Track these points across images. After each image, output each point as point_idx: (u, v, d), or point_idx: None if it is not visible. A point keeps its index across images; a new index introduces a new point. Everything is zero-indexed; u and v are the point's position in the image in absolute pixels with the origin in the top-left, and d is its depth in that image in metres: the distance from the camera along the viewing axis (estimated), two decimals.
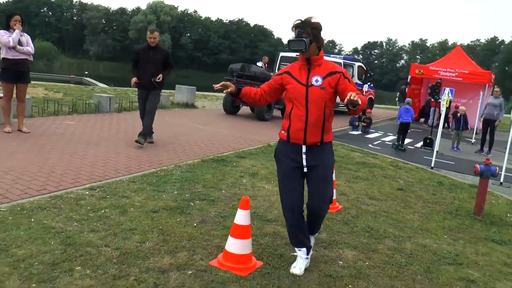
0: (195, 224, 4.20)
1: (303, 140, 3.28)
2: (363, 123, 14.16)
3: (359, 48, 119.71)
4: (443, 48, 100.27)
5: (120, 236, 3.74)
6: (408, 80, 19.50)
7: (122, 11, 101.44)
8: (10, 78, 7.06)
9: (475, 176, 8.11)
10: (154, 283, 3.04)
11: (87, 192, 4.74)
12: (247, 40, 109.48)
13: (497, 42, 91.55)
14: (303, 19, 3.26)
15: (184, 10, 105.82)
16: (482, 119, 12.72)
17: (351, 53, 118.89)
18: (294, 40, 3.21)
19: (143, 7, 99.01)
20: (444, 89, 10.92)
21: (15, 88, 7.22)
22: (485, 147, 12.48)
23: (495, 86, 13.51)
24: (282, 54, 16.72)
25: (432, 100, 16.74)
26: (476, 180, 7.76)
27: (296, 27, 3.27)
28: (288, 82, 3.35)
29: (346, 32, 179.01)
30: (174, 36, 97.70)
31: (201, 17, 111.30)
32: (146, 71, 7.21)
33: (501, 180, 8.38)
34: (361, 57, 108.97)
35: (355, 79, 17.23)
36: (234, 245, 3.37)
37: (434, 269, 3.84)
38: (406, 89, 18.87)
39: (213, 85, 3.38)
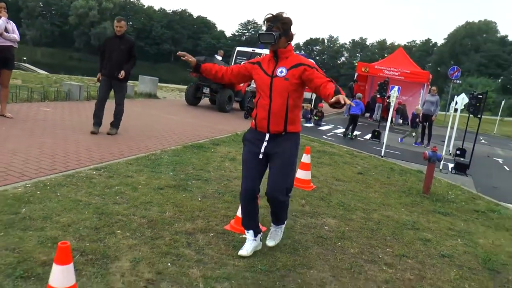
0: (199, 199, 4.86)
1: (266, 128, 3.43)
2: (315, 117, 15.19)
3: (301, 44, 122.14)
4: (382, 47, 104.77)
5: (141, 207, 4.33)
6: (355, 78, 20.84)
7: None
8: None
9: (419, 164, 9.30)
10: (187, 242, 3.69)
11: (94, 172, 5.25)
12: (190, 31, 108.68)
13: (431, 44, 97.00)
14: (274, 14, 3.38)
15: None
16: (421, 114, 14.09)
17: (294, 48, 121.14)
18: (265, 33, 3.34)
19: None
20: (392, 87, 12.09)
21: None
22: (424, 139, 13.85)
23: (432, 85, 14.99)
24: (238, 48, 17.39)
25: (378, 96, 18.15)
26: (420, 167, 8.95)
27: (267, 20, 3.38)
28: (256, 72, 3.51)
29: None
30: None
31: (144, 5, 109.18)
32: (111, 60, 7.26)
33: (440, 168, 9.59)
34: (303, 52, 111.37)
35: None
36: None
37: (399, 232, 4.75)
38: (354, 85, 20.21)
39: (178, 53, 3.62)
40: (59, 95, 10.48)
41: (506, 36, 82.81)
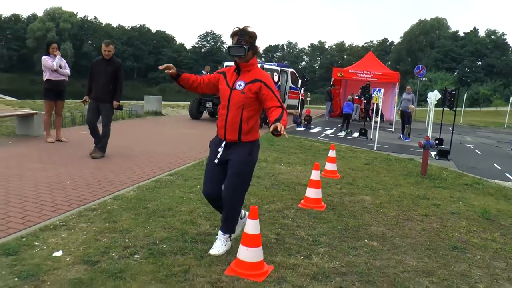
0: (265, 190, 6.26)
1: (223, 136, 3.66)
2: (304, 121, 16.78)
3: (261, 51, 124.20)
4: (341, 49, 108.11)
5: None
6: (332, 82, 22.63)
7: (15, 18, 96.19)
8: (51, 96, 8.49)
9: (407, 154, 10.96)
10: (281, 216, 5.09)
11: (172, 177, 6.57)
12: (150, 47, 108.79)
13: (387, 43, 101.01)
14: (241, 28, 3.54)
15: (84, 17, 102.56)
16: (399, 111, 15.91)
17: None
18: (234, 47, 3.47)
19: (39, 13, 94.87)
20: (374, 89, 13.80)
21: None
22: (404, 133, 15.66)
23: (407, 85, 16.87)
24: (226, 63, 18.80)
25: (356, 98, 19.97)
26: (409, 156, 10.60)
27: (235, 34, 3.51)
28: (220, 82, 3.71)
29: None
30: (75, 44, 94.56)
31: (102, 23, 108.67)
32: (98, 83, 7.44)
33: (434, 155, 11.27)
34: (264, 59, 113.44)
35: (289, 83, 20.05)
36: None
37: (416, 201, 6.30)
38: (331, 90, 21.99)
39: (159, 66, 3.67)
40: (82, 118, 11.59)
41: (457, 31, 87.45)
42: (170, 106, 19.87)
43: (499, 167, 11.03)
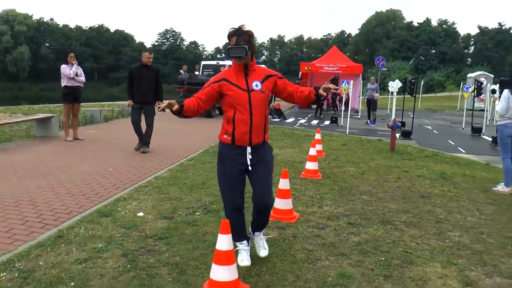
0: None
1: (248, 142, 3.45)
2: (274, 115, 18.18)
3: (221, 47, 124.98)
4: (300, 42, 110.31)
5: None
6: (300, 76, 24.24)
7: None
8: (69, 100, 9.61)
9: (374, 136, 12.61)
10: (291, 183, 6.54)
11: (191, 162, 7.89)
12: (109, 47, 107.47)
13: (345, 35, 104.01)
14: (237, 27, 3.41)
15: (40, 19, 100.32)
16: (365, 100, 17.64)
17: (214, 52, 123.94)
18: (235, 48, 3.34)
19: None
20: (343, 81, 15.43)
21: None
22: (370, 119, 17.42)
23: (367, 75, 18.62)
24: (203, 62, 20.03)
25: None
26: (377, 137, 12.26)
27: (232, 35, 3.38)
28: (228, 89, 3.43)
29: (207, 32, 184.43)
30: (32, 48, 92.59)
31: (59, 25, 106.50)
32: (141, 88, 8.38)
33: (399, 135, 13.00)
34: (223, 55, 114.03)
35: None
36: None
37: (390, 170, 7.88)
38: (300, 83, 23.58)
39: (158, 106, 3.50)
40: (85, 119, 12.69)
41: (411, 22, 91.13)
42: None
43: (453, 143, 12.88)
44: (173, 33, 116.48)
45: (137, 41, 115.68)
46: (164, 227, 4.54)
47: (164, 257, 3.79)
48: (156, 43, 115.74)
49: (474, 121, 16.28)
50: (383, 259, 3.95)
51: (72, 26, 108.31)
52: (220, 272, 3.09)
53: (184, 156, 8.44)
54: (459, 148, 11.90)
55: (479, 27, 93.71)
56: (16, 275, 3.36)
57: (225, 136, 3.53)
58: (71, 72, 9.41)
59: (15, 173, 6.57)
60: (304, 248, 4.13)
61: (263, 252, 3.73)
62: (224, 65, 19.04)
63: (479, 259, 4.05)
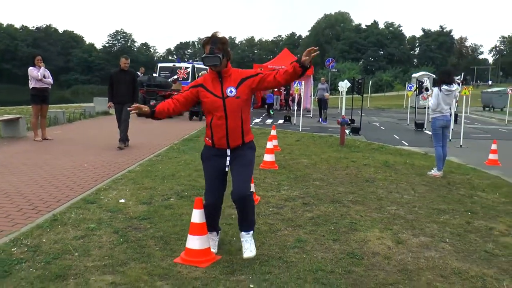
0: None
1: (226, 145, 3.60)
2: None
3: (172, 48, 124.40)
4: (251, 44, 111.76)
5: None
6: None
7: None
8: (38, 101, 9.99)
9: (325, 133, 13.61)
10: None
11: (158, 157, 8.51)
12: (58, 48, 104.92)
13: (296, 37, 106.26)
14: (211, 36, 3.48)
15: None
16: (316, 99, 18.71)
17: (165, 54, 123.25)
18: (209, 57, 3.41)
19: None
20: (295, 82, 16.36)
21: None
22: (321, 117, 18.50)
23: (317, 75, 19.75)
24: (160, 64, 20.55)
25: (275, 90, 22.60)
26: (328, 134, 13.26)
27: (206, 43, 3.46)
28: (204, 96, 3.57)
29: (158, 34, 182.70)
30: None
31: (3, 24, 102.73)
32: (120, 90, 9.28)
33: (348, 131, 14.05)
34: (175, 57, 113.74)
35: None
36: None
37: (339, 161, 8.82)
38: None
39: (129, 108, 3.73)
40: (50, 121, 12.97)
41: (360, 24, 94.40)
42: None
43: (397, 137, 14.11)
44: (124, 34, 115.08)
45: (87, 42, 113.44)
46: (145, 210, 5.20)
47: (149, 233, 4.46)
48: (107, 44, 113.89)
49: (417, 118, 17.69)
50: (332, 228, 4.80)
51: (17, 26, 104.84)
52: (193, 241, 3.75)
53: (152, 152, 9.05)
54: (403, 142, 13.09)
55: (423, 30, 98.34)
56: (26, 249, 3.95)
57: (207, 138, 3.71)
58: (38, 74, 9.80)
59: None
60: (266, 222, 4.92)
61: (247, 253, 3.72)
62: (180, 67, 19.63)
63: (409, 225, 4.98)
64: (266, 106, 21.59)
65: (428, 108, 19.32)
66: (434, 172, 7.81)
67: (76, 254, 3.88)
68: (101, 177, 6.76)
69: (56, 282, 3.34)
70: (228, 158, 3.66)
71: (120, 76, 9.49)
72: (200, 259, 3.74)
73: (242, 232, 3.82)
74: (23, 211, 5.04)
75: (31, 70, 9.82)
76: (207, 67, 3.66)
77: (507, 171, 8.71)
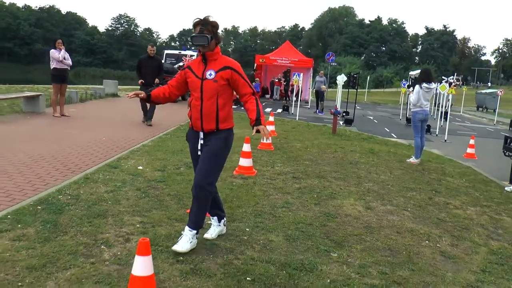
0: None
1: (200, 127, 3.65)
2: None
3: (175, 35, 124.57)
4: (254, 34, 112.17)
5: None
6: (255, 67, 26.13)
7: None
8: (58, 81, 10.96)
9: (320, 122, 14.62)
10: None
11: (167, 136, 9.49)
12: (61, 29, 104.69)
13: (299, 29, 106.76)
14: (202, 18, 3.56)
15: None
16: (314, 91, 19.68)
17: (168, 40, 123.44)
18: (197, 36, 3.49)
19: None
20: (294, 73, 17.35)
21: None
22: (318, 108, 19.49)
23: (319, 68, 20.71)
24: (166, 51, 21.45)
25: (276, 80, 23.58)
26: (322, 124, 14.26)
27: (197, 24, 3.54)
28: (188, 76, 3.69)
29: (161, 20, 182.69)
30: None
31: (5, 3, 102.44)
32: (147, 75, 10.63)
33: (342, 122, 15.05)
34: (178, 44, 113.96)
35: None
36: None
37: (329, 146, 9.83)
38: (254, 73, 25.47)
39: (126, 94, 3.83)
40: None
41: (363, 19, 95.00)
42: (124, 90, 22.22)
43: (388, 130, 15.14)
44: (127, 18, 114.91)
45: (90, 25, 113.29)
46: (160, 175, 6.21)
47: (165, 191, 5.47)
48: (110, 28, 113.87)
49: (409, 113, 18.68)
50: (315, 196, 5.83)
51: (20, 5, 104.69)
52: None
53: (162, 131, 10.07)
54: (392, 134, 14.12)
55: (426, 28, 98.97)
56: (69, 197, 4.96)
57: (188, 119, 3.83)
58: (60, 56, 10.76)
59: (26, 139, 7.99)
60: (260, 189, 5.94)
61: (177, 246, 3.64)
62: (185, 55, 20.60)
63: (380, 197, 6.01)
64: (268, 96, 22.87)
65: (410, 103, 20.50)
66: (412, 159, 8.82)
67: (110, 202, 4.90)
68: (119, 149, 7.77)
69: (98, 219, 4.35)
70: (201, 142, 3.72)
71: (147, 62, 10.82)
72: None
73: (186, 227, 3.74)
74: (60, 170, 6.05)
75: (53, 52, 10.77)
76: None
77: (480, 164, 9.76)
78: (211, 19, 3.58)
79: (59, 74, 10.91)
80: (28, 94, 11.44)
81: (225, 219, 4.15)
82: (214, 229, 4.05)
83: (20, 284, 3.03)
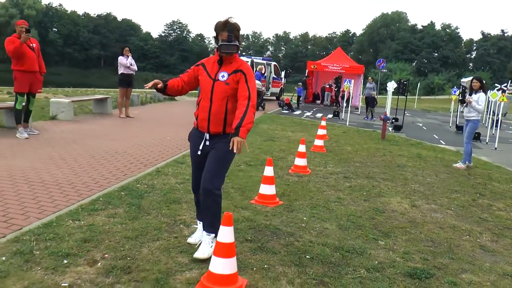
0: (286, 142, 10.02)
1: (207, 129, 3.55)
2: (284, 107, 20.47)
3: None
4: (305, 40, 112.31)
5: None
6: (307, 74, 26.63)
7: None
8: (124, 85, 11.95)
9: (370, 128, 14.94)
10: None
11: None
12: (116, 35, 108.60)
13: (350, 34, 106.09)
14: (226, 21, 3.48)
15: (49, 4, 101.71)
16: (364, 97, 19.97)
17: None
18: (227, 44, 3.43)
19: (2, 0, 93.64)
20: (345, 80, 17.74)
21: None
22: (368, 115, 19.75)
23: (369, 74, 20.98)
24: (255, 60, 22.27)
25: (327, 86, 23.98)
26: (372, 129, 14.59)
27: (222, 29, 3.45)
28: (200, 73, 3.62)
29: (212, 26, 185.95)
30: (41, 32, 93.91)
31: (67, 11, 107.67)
32: None
33: (391, 129, 15.34)
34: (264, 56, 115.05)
35: (273, 74, 23.94)
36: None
37: (378, 150, 10.22)
38: (306, 80, 25.99)
39: (145, 85, 3.59)
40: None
41: (416, 24, 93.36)
42: None
43: (437, 137, 15.25)
44: (180, 24, 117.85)
45: (144, 31, 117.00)
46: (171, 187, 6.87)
47: (229, 185, 6.06)
48: (163, 34, 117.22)
49: (459, 121, 18.61)
50: (365, 193, 6.31)
51: (80, 12, 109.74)
52: (265, 189, 5.45)
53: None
54: (441, 141, 14.25)
55: (482, 33, 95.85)
56: (146, 186, 5.70)
57: (194, 119, 3.69)
58: (127, 62, 11.73)
59: (101, 136, 8.91)
60: (315, 186, 6.48)
61: (198, 253, 3.60)
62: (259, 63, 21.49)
63: (425, 197, 6.41)
64: (319, 102, 23.41)
65: (462, 111, 20.32)
66: (459, 164, 9.08)
67: (181, 191, 5.60)
68: (183, 147, 8.53)
69: (174, 204, 5.05)
70: (204, 142, 3.61)
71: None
72: (269, 201, 5.41)
73: (204, 231, 3.72)
74: (134, 164, 6.85)
75: (121, 59, 11.76)
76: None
77: None
78: (233, 21, 3.50)
79: (126, 79, 11.89)
80: (98, 97, 12.51)
81: (214, 237, 3.56)
82: (207, 246, 3.65)
83: (122, 249, 3.73)
